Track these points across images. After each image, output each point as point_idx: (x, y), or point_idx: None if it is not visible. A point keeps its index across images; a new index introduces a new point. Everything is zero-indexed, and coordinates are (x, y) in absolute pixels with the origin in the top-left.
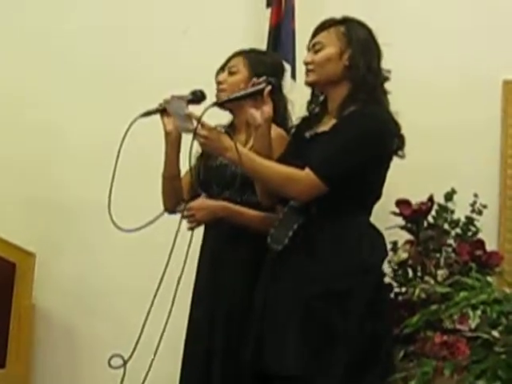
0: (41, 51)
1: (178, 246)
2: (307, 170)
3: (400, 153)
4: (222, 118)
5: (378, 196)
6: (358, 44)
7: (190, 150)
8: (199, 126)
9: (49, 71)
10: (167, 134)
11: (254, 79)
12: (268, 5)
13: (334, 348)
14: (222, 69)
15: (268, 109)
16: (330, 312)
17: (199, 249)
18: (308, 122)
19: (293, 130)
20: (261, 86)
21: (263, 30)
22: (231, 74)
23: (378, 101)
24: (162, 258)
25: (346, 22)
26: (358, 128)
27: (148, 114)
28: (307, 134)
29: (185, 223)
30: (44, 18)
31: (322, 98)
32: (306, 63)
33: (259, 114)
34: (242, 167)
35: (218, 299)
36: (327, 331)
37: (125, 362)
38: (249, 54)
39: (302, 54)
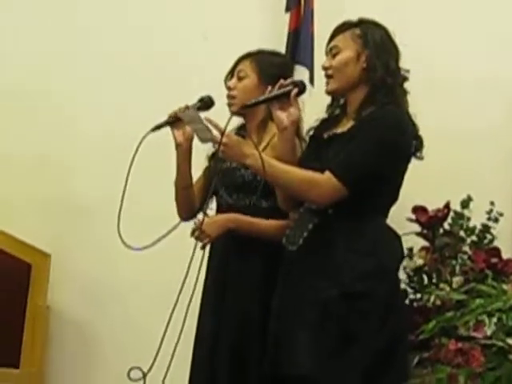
0: (56, 48)
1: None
2: (328, 174)
3: (418, 154)
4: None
5: (395, 199)
6: (375, 45)
7: (215, 156)
8: (219, 134)
9: (66, 69)
10: (178, 145)
11: (282, 81)
12: (287, 9)
13: (352, 350)
14: (230, 73)
15: (295, 111)
16: (346, 314)
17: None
18: (327, 123)
19: (311, 132)
20: (288, 89)
21: (282, 34)
22: (240, 79)
23: (396, 102)
24: (178, 259)
25: (361, 23)
26: (376, 131)
27: (158, 127)
28: (325, 135)
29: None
30: (58, 11)
31: (342, 101)
32: (325, 68)
33: (286, 116)
34: (264, 174)
35: (225, 310)
36: (344, 333)
37: (144, 375)
38: (256, 57)
39: (320, 58)
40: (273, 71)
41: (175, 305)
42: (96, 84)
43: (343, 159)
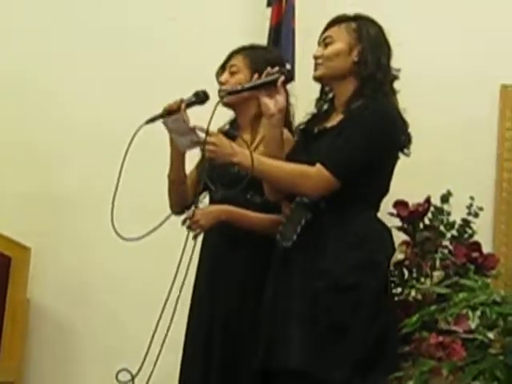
0: (45, 37)
1: (179, 248)
2: (318, 166)
3: (406, 151)
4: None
5: (385, 191)
6: (368, 41)
7: (202, 151)
8: (204, 135)
9: (51, 58)
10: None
11: (269, 69)
12: (268, 4)
13: (343, 342)
14: (222, 68)
15: (282, 98)
16: (337, 306)
17: (199, 252)
18: (316, 118)
19: (301, 126)
20: (274, 76)
21: (263, 29)
22: (232, 74)
23: (385, 97)
24: (161, 254)
25: (357, 18)
26: (366, 123)
27: (153, 120)
28: (315, 129)
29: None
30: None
31: (330, 95)
32: (316, 57)
33: (273, 103)
34: (253, 171)
35: (217, 300)
36: (336, 325)
37: (133, 377)
38: (249, 52)
39: (301, 53)
40: (265, 67)
41: (166, 301)
42: (85, 73)
43: (334, 151)
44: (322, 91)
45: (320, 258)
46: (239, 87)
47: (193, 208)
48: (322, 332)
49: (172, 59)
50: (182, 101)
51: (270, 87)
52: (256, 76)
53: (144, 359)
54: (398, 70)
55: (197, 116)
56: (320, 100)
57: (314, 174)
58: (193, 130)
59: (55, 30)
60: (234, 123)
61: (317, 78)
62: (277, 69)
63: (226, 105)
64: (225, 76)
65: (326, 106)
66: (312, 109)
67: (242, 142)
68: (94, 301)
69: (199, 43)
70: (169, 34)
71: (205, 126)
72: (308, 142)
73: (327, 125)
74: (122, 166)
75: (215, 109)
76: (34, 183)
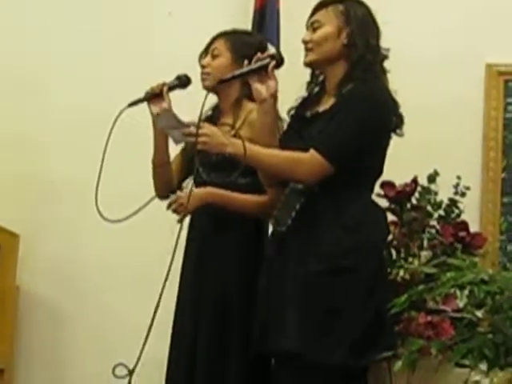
0: (30, 23)
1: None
2: (312, 152)
3: (398, 131)
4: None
5: (379, 173)
6: (357, 22)
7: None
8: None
9: (40, 44)
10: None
11: (259, 54)
12: None
13: (339, 325)
14: (204, 52)
15: (273, 83)
16: (333, 289)
17: (186, 238)
18: (308, 102)
19: (292, 111)
20: (265, 62)
21: (248, 11)
22: (214, 57)
23: (376, 78)
24: (149, 238)
25: (344, 0)
26: (358, 107)
27: (135, 103)
28: (308, 114)
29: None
30: None
31: (321, 78)
32: (305, 42)
33: (264, 88)
34: (246, 160)
35: (204, 284)
36: (331, 309)
37: (130, 372)
38: (231, 36)
39: (286, 36)
40: (247, 51)
41: (163, 287)
42: (70, 59)
43: (326, 136)
44: (313, 75)
45: (315, 242)
46: (230, 75)
47: (178, 192)
48: (317, 315)
49: (155, 43)
50: (164, 84)
51: (260, 72)
52: (246, 62)
53: (140, 353)
54: (388, 50)
55: (180, 102)
56: (311, 83)
57: (308, 160)
58: (186, 125)
59: (41, 17)
60: (216, 108)
61: (307, 64)
62: (267, 54)
63: (209, 89)
64: (207, 59)
65: (316, 89)
66: (299, 92)
67: (224, 127)
68: (83, 286)
69: (184, 27)
70: (151, 18)
71: (192, 119)
72: (301, 127)
73: (319, 109)
74: (105, 149)
75: (206, 98)
76: (22, 170)
